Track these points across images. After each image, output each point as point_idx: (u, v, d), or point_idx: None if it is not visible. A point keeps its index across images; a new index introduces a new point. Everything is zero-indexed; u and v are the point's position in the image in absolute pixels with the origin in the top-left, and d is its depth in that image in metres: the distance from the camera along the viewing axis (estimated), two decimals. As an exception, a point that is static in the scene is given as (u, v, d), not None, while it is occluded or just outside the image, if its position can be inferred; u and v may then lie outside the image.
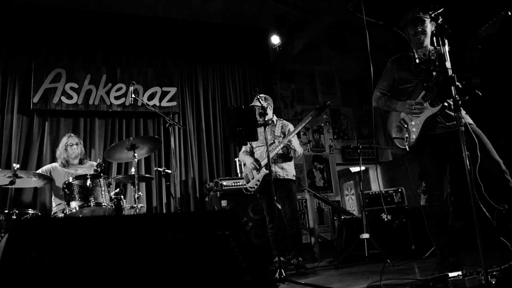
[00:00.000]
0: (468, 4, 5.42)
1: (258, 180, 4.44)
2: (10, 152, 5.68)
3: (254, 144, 4.71)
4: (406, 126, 3.13)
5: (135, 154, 4.32)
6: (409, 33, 3.20)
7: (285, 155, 4.56)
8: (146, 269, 1.15)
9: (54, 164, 4.86)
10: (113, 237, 1.17)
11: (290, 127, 4.68)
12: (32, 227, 1.15)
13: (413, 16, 3.11)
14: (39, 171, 4.73)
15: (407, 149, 3.10)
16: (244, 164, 4.78)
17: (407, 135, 3.11)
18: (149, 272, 1.16)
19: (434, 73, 2.96)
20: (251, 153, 4.73)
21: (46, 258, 1.10)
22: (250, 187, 4.55)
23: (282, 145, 4.38)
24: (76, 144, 4.80)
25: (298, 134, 4.65)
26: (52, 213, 4.59)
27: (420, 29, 3.11)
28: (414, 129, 3.07)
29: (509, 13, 2.54)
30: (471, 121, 3.01)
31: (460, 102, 2.28)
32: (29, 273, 1.08)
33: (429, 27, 3.11)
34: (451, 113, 3.00)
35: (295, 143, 4.47)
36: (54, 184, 4.66)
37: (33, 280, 1.09)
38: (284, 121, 4.79)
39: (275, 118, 4.74)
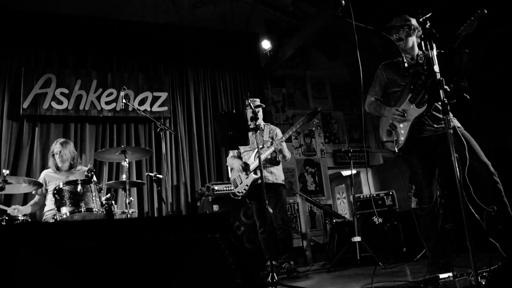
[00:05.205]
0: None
1: (247, 185, 4.44)
2: (-1, 158, 5.63)
3: (242, 149, 4.71)
4: (395, 129, 3.19)
5: (126, 160, 4.30)
6: None
7: (273, 160, 4.58)
8: (137, 272, 1.15)
9: (46, 171, 4.82)
10: (104, 241, 1.16)
11: (278, 131, 4.70)
12: (22, 232, 1.14)
13: (388, 25, 3.23)
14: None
15: (397, 151, 3.15)
16: (232, 169, 4.78)
17: (396, 138, 3.17)
18: (140, 275, 1.16)
19: (422, 77, 3.00)
20: (239, 158, 4.72)
21: (36, 262, 1.10)
22: (238, 191, 4.55)
23: (272, 149, 4.39)
24: (60, 152, 4.72)
25: (290, 138, 4.67)
26: (42, 219, 4.55)
27: (395, 37, 3.21)
28: (402, 131, 3.14)
29: (485, 11, 2.60)
30: (459, 124, 3.05)
31: (448, 105, 2.31)
32: (20, 278, 1.07)
33: (405, 32, 3.18)
34: (439, 115, 3.05)
35: (285, 147, 4.49)
36: (45, 190, 4.62)
37: (23, 285, 1.08)
38: (271, 125, 4.82)
39: (262, 123, 4.75)
